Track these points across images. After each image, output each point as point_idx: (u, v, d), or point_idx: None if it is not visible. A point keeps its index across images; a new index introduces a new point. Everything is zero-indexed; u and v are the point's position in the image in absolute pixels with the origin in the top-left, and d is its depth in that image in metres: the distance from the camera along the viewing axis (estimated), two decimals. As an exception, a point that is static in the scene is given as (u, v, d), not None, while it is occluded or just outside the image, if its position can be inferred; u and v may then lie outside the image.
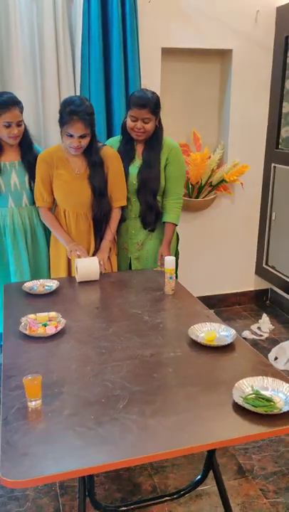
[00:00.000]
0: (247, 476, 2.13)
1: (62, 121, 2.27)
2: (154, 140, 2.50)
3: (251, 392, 1.38)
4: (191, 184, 3.31)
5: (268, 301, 3.93)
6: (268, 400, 1.34)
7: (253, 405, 1.31)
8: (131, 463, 1.13)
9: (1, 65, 2.71)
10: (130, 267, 2.68)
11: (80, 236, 2.49)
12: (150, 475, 2.13)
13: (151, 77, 3.05)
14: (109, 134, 2.93)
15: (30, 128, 2.70)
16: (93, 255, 2.47)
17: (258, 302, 3.92)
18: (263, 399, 1.34)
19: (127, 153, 2.52)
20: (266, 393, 1.38)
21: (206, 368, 1.55)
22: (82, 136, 2.28)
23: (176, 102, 3.35)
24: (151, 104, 2.39)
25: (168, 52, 3.13)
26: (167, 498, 1.84)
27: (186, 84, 3.34)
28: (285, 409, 1.29)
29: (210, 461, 1.72)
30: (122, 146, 2.54)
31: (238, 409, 1.31)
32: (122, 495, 2.03)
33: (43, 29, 2.69)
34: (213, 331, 1.75)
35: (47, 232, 2.63)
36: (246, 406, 1.30)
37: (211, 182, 3.36)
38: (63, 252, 2.50)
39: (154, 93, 2.44)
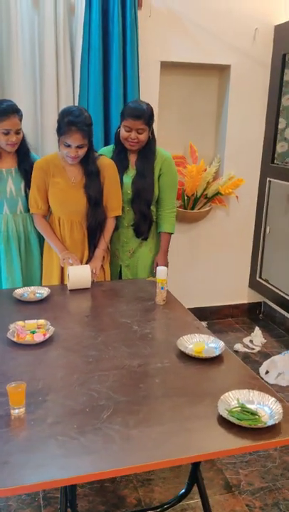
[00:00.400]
0: (233, 491, 2.11)
1: (61, 131, 2.29)
2: (148, 150, 2.53)
3: (237, 405, 1.37)
4: (187, 196, 3.33)
5: (260, 315, 3.92)
6: (253, 413, 1.33)
7: (237, 418, 1.30)
8: (112, 474, 1.11)
9: (1, 73, 2.73)
10: (120, 274, 2.69)
11: (74, 244, 2.49)
12: (135, 488, 2.11)
13: (149, 89, 3.08)
14: (107, 145, 2.94)
15: (29, 136, 2.71)
16: (86, 264, 2.47)
17: (250, 315, 3.92)
18: (248, 412, 1.33)
19: (120, 163, 2.53)
20: (252, 407, 1.37)
21: (193, 379, 1.54)
22: (79, 147, 2.30)
23: (173, 115, 3.38)
24: (146, 116, 2.42)
25: (167, 66, 3.17)
26: None
27: (183, 98, 3.37)
28: (269, 423, 1.29)
29: (194, 474, 1.70)
30: (115, 156, 2.55)
31: (223, 422, 1.30)
32: (106, 508, 2.00)
33: (43, 39, 2.72)
34: (201, 342, 1.74)
35: (41, 240, 2.63)
36: (231, 419, 1.29)
37: (206, 194, 3.37)
38: (56, 259, 2.50)
39: (148, 105, 2.47)
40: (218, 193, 3.35)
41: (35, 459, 1.15)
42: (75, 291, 2.28)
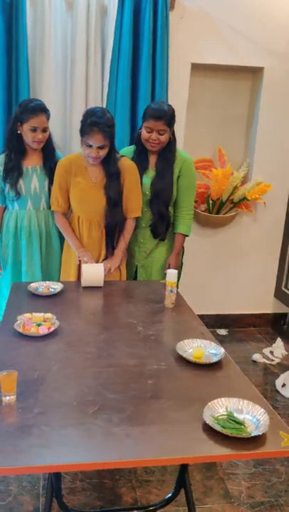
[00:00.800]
0: (233, 502, 2.07)
1: (83, 132, 2.33)
2: (168, 151, 2.54)
3: (224, 413, 1.35)
4: (212, 200, 3.30)
5: (284, 326, 3.82)
6: (239, 422, 1.31)
7: (222, 426, 1.28)
8: (76, 467, 1.13)
9: (33, 74, 2.81)
10: (136, 274, 2.71)
11: (92, 243, 2.53)
12: (133, 487, 2.11)
13: (178, 91, 3.09)
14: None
15: (57, 135, 2.78)
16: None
17: (274, 326, 3.83)
18: (234, 421, 1.31)
19: (140, 164, 2.56)
20: (239, 416, 1.35)
21: (186, 383, 1.53)
22: (100, 147, 2.33)
23: (203, 118, 3.36)
24: (167, 117, 2.44)
25: (198, 68, 3.16)
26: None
27: (214, 100, 3.35)
28: (253, 434, 1.26)
29: (181, 478, 1.69)
30: (135, 157, 2.58)
31: (208, 428, 1.29)
32: (102, 503, 2.02)
33: (75, 40, 2.78)
34: (201, 347, 1.73)
35: (61, 237, 2.69)
36: (215, 426, 1.28)
37: (232, 199, 3.33)
38: (74, 257, 2.54)
39: (169, 106, 2.50)
40: (244, 198, 3.30)
41: (14, 445, 1.18)
42: (88, 288, 2.31)
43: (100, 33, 2.84)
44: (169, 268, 2.65)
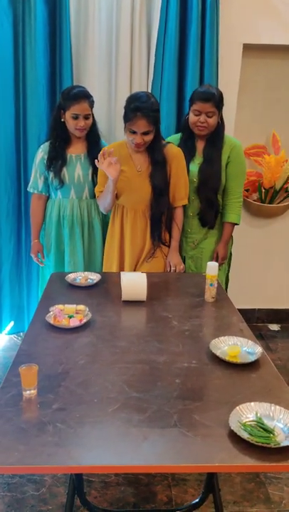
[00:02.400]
0: (272, 509, 1.96)
1: (126, 118, 2.26)
2: (216, 137, 2.45)
3: (253, 419, 1.25)
4: (264, 188, 3.12)
5: None
6: (268, 430, 1.20)
7: (249, 433, 1.18)
8: (87, 470, 1.08)
9: (77, 61, 2.78)
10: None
11: (135, 234, 2.47)
12: (169, 486, 2.05)
13: (229, 73, 2.93)
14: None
15: (102, 123, 2.74)
16: (148, 255, 2.46)
17: None
18: (263, 429, 1.21)
19: (188, 151, 2.47)
20: (270, 423, 1.24)
21: (216, 384, 1.44)
22: (145, 133, 2.26)
23: (256, 101, 3.18)
24: (216, 99, 2.36)
25: (251, 49, 2.97)
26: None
27: (268, 83, 3.15)
28: (283, 444, 1.15)
29: (209, 484, 1.59)
30: (182, 144, 2.50)
31: (233, 434, 1.19)
32: (136, 500, 1.98)
33: (120, 25, 2.71)
34: (237, 345, 1.62)
35: (104, 227, 2.66)
36: (241, 433, 1.18)
37: (287, 188, 3.14)
38: (117, 246, 2.50)
39: (217, 89, 2.42)
40: (299, 187, 3.10)
41: (26, 443, 1.15)
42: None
43: (146, 15, 2.74)
44: (216, 258, 2.56)
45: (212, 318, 1.91)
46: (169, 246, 2.52)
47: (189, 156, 2.48)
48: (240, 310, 2.00)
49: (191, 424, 1.24)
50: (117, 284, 2.19)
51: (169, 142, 2.46)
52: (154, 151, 2.35)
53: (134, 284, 1.98)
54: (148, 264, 2.49)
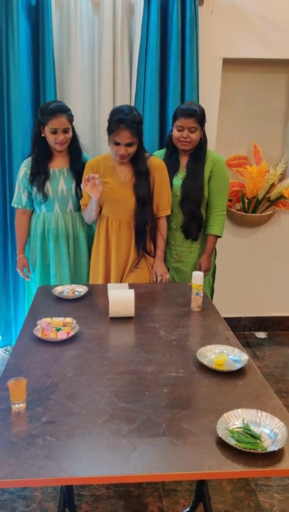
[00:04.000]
0: (263, 516, 1.97)
1: (110, 129, 2.31)
2: (199, 151, 2.51)
3: (240, 426, 1.27)
4: (247, 198, 3.18)
5: None
6: (255, 436, 1.22)
7: (237, 440, 1.20)
8: (77, 481, 1.08)
9: (60, 76, 2.82)
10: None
11: (120, 244, 2.50)
12: (160, 497, 2.05)
13: (210, 87, 3.00)
14: (162, 145, 2.91)
15: (86, 136, 2.78)
16: (133, 265, 2.49)
17: (317, 329, 3.65)
18: (250, 435, 1.23)
19: (172, 166, 2.53)
20: (256, 429, 1.26)
21: (203, 392, 1.46)
22: (128, 145, 2.31)
23: (237, 114, 3.25)
24: (198, 115, 2.42)
25: (230, 63, 3.05)
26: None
27: (248, 95, 3.22)
28: (270, 449, 1.17)
29: (200, 492, 1.60)
30: (166, 159, 2.55)
31: (221, 441, 1.21)
32: (127, 512, 1.97)
33: (102, 40, 2.75)
34: (223, 354, 1.64)
35: (89, 239, 2.68)
36: (229, 440, 1.20)
37: (269, 197, 3.20)
38: (102, 258, 2.52)
39: (199, 105, 2.49)
40: (281, 196, 3.16)
41: (16, 456, 1.15)
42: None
43: (127, 32, 2.80)
44: (199, 269, 2.59)
45: (199, 327, 1.94)
46: (154, 256, 2.55)
47: (173, 170, 2.54)
48: (226, 318, 2.03)
49: (180, 433, 1.25)
50: (104, 296, 2.21)
51: (151, 154, 2.50)
52: (138, 162, 2.41)
53: (121, 301, 1.96)
54: (133, 273, 2.52)
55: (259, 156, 3.19)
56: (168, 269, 2.65)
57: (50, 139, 2.47)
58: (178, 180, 2.53)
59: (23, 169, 2.57)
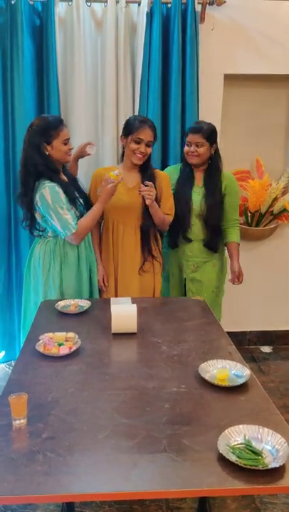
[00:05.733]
0: (269, 534, 1.94)
1: (131, 129, 2.40)
2: (213, 168, 2.65)
3: (241, 442, 1.26)
4: (250, 212, 3.19)
5: None
6: (257, 453, 1.21)
7: (238, 456, 1.19)
8: (78, 498, 1.08)
9: (64, 95, 2.85)
10: (185, 288, 2.74)
11: (127, 248, 2.53)
12: (164, 514, 2.03)
13: (212, 103, 3.03)
14: (164, 161, 2.95)
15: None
16: (140, 269, 2.53)
17: None
18: (252, 451, 1.22)
19: (187, 178, 2.65)
20: (258, 445, 1.25)
21: (205, 408, 1.45)
22: (148, 145, 2.42)
23: (239, 129, 3.27)
24: (205, 131, 2.55)
25: (232, 79, 3.09)
26: None
27: (250, 111, 3.25)
28: (271, 466, 1.16)
29: (202, 510, 1.58)
30: (181, 173, 2.68)
31: (222, 458, 1.20)
32: (130, 530, 1.95)
33: (105, 60, 2.80)
34: (226, 369, 1.64)
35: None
36: (230, 456, 1.19)
37: (272, 211, 3.20)
38: (111, 264, 2.56)
39: (210, 124, 2.61)
40: (284, 210, 3.16)
41: (15, 473, 1.15)
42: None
43: (130, 50, 2.84)
44: (234, 275, 2.71)
45: (201, 342, 1.93)
46: (158, 261, 2.60)
47: (189, 182, 2.65)
48: (231, 333, 2.03)
49: (181, 449, 1.24)
50: (107, 311, 2.20)
51: (155, 168, 2.61)
52: (146, 169, 2.51)
53: (123, 316, 1.95)
54: (140, 277, 2.54)
55: (261, 170, 3.21)
56: (184, 280, 2.72)
57: (62, 150, 2.31)
58: (196, 195, 2.63)
59: (59, 192, 2.27)
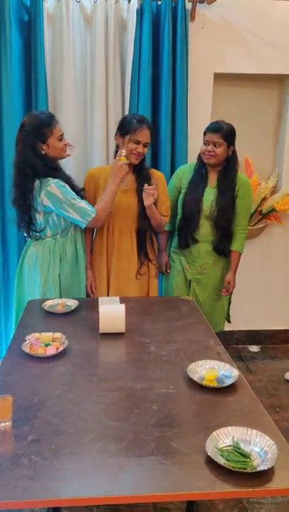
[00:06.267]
0: (256, 535, 1.93)
1: (129, 129, 2.35)
2: (229, 169, 2.59)
3: (230, 444, 1.25)
4: (239, 212, 3.18)
5: None
6: (245, 455, 1.20)
7: (226, 459, 1.18)
8: (66, 503, 1.06)
9: (53, 92, 2.83)
10: (189, 289, 2.72)
11: (123, 251, 2.50)
12: (151, 515, 2.01)
13: (202, 101, 3.03)
14: (154, 161, 2.93)
15: (78, 151, 2.76)
16: (137, 273, 2.50)
17: (310, 342, 3.63)
18: (240, 453, 1.21)
19: (201, 179, 2.61)
20: (247, 447, 1.24)
21: (193, 409, 1.44)
22: (145, 145, 2.38)
23: (228, 128, 3.26)
24: (223, 131, 2.52)
25: (222, 77, 3.08)
26: None
27: (239, 110, 3.25)
28: (259, 468, 1.15)
29: (189, 511, 1.57)
30: (196, 172, 2.63)
31: (211, 460, 1.19)
32: (117, 532, 1.93)
33: (94, 57, 2.78)
34: (214, 369, 1.63)
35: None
36: (218, 459, 1.18)
37: (261, 210, 3.20)
38: (104, 268, 2.52)
39: (229, 124, 2.56)
40: (273, 210, 3.17)
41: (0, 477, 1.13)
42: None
43: (119, 47, 2.82)
44: (228, 286, 2.67)
45: (190, 342, 1.92)
46: (154, 263, 2.58)
47: (203, 183, 2.61)
48: (219, 332, 2.02)
49: (169, 452, 1.23)
50: (95, 311, 2.18)
51: (150, 168, 2.59)
52: (141, 169, 2.47)
53: (111, 316, 1.94)
54: (136, 281, 2.51)
55: (251, 169, 3.20)
56: (189, 281, 2.70)
57: (60, 147, 2.27)
58: (208, 195, 2.59)
59: (66, 185, 2.25)
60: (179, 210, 2.66)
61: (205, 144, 2.55)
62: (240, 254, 2.68)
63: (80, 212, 2.25)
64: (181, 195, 2.66)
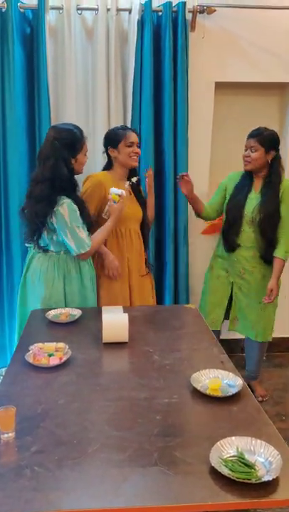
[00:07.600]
0: None
1: (119, 137, 2.46)
2: (272, 175, 2.59)
3: (234, 454, 1.24)
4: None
5: None
6: (249, 466, 1.19)
7: (230, 469, 1.17)
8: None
9: (55, 104, 2.85)
10: (231, 293, 2.76)
11: (134, 254, 2.55)
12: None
13: (203, 110, 3.05)
14: (158, 168, 2.94)
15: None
16: (142, 271, 2.61)
17: None
18: (244, 464, 1.20)
19: (245, 185, 2.66)
20: (251, 457, 1.23)
21: (197, 419, 1.43)
22: (138, 146, 2.49)
23: (230, 136, 3.27)
24: (260, 136, 2.55)
25: (223, 86, 3.09)
26: None
27: (241, 118, 3.26)
28: (264, 479, 1.14)
29: None
30: (242, 178, 2.69)
31: (214, 471, 1.18)
32: None
33: (96, 69, 2.80)
34: (218, 378, 1.62)
35: None
36: (222, 469, 1.17)
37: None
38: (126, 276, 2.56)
39: (270, 130, 2.59)
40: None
41: (0, 487, 1.12)
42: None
43: (121, 58, 2.85)
44: (270, 293, 2.63)
45: (193, 351, 1.91)
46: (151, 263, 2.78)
47: (246, 188, 2.64)
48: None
49: (172, 462, 1.22)
50: (98, 320, 2.17)
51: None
52: (134, 175, 2.58)
53: (114, 326, 1.93)
54: (140, 280, 2.60)
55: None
56: (232, 285, 2.74)
57: (84, 160, 2.31)
58: (250, 201, 2.61)
59: (76, 209, 2.21)
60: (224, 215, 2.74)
61: (245, 149, 2.61)
62: (284, 261, 2.63)
63: (77, 242, 2.21)
64: (226, 201, 2.71)
